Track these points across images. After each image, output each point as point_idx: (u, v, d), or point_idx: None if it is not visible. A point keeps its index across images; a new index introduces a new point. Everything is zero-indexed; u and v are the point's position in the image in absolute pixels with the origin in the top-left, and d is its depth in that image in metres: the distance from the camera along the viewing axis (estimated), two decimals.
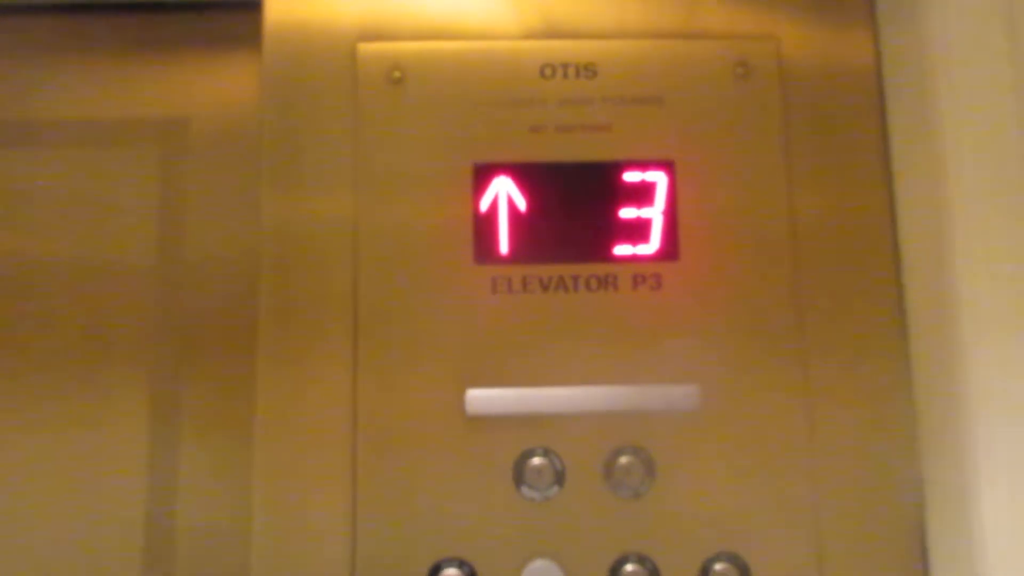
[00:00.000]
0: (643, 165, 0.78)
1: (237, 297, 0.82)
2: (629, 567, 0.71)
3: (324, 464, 0.73)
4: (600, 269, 0.76)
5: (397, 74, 0.79)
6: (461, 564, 0.72)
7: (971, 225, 0.70)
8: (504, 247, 0.77)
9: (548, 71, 0.80)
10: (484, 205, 0.77)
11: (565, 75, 0.80)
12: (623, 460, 0.73)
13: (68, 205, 0.84)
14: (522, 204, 0.77)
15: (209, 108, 0.87)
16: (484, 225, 0.77)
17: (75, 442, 0.79)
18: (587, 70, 0.80)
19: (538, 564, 0.71)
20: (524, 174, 0.78)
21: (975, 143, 0.71)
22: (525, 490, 0.73)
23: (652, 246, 0.77)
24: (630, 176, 0.78)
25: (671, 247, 0.77)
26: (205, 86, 0.87)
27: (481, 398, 0.73)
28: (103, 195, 0.84)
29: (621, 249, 0.77)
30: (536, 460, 0.73)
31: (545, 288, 0.76)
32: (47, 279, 0.83)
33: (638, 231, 0.77)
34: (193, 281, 0.83)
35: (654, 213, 0.77)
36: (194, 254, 0.83)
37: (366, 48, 0.80)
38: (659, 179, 0.78)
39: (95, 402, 0.80)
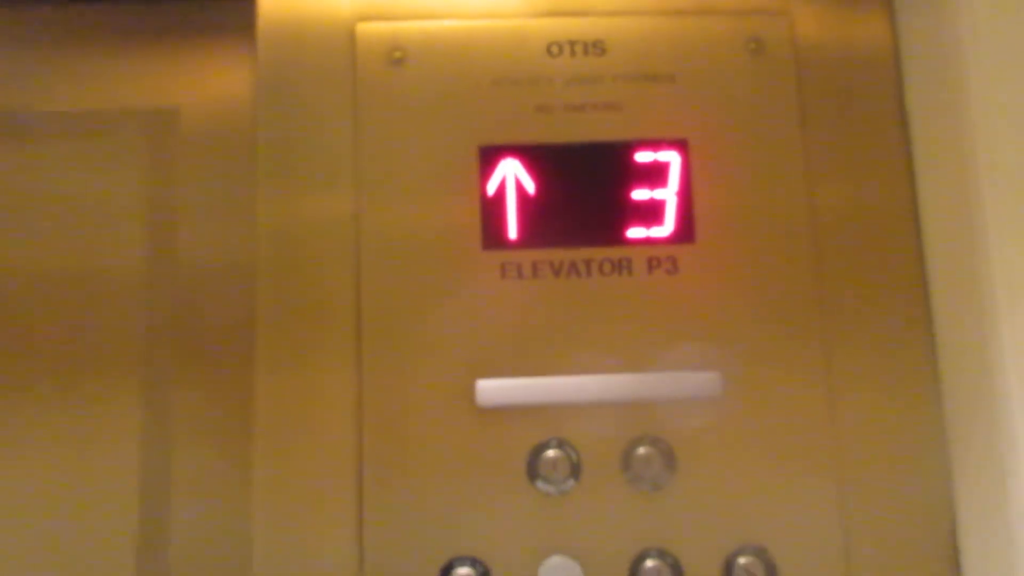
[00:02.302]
0: (655, 144, 0.75)
1: (231, 295, 0.79)
2: (650, 563, 0.68)
3: (328, 461, 0.70)
4: (613, 253, 0.73)
5: (398, 54, 0.76)
6: (474, 563, 0.68)
7: (1004, 209, 0.67)
8: (513, 232, 0.74)
9: (555, 49, 0.77)
10: (491, 189, 0.74)
11: (573, 53, 0.77)
12: (641, 451, 0.70)
13: (52, 201, 0.81)
14: (531, 187, 0.74)
15: (200, 98, 0.84)
16: (492, 209, 0.74)
17: (63, 454, 0.76)
18: (596, 47, 0.77)
19: (555, 561, 0.68)
20: (532, 156, 0.75)
21: (1006, 126, 0.68)
22: (540, 484, 0.70)
23: (667, 228, 0.74)
24: (642, 156, 0.75)
25: (687, 229, 0.74)
26: (196, 75, 0.84)
27: (492, 389, 0.70)
28: (89, 190, 0.81)
29: (635, 232, 0.74)
30: (551, 452, 0.70)
31: (556, 273, 0.73)
32: (29, 280, 0.79)
33: (652, 213, 0.74)
34: (184, 282, 0.80)
35: (668, 194, 0.74)
36: (184, 252, 0.80)
37: (365, 28, 0.77)
38: (672, 159, 0.75)
39: (83, 413, 0.77)
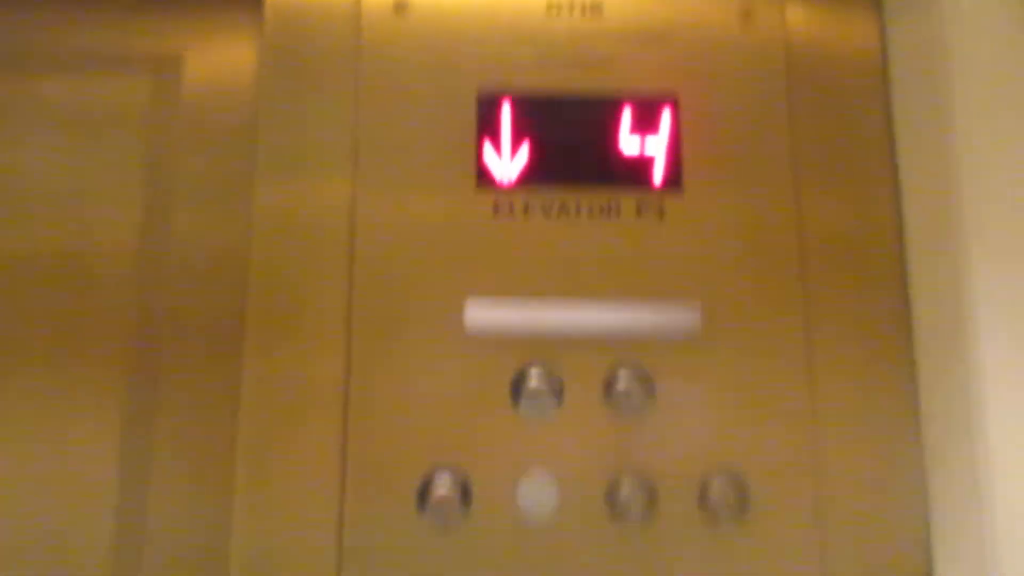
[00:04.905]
0: (647, 98, 0.79)
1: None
2: (626, 484, 0.70)
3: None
4: (603, 197, 0.76)
5: (402, 1, 0.79)
6: (455, 471, 0.69)
7: (984, 212, 0.69)
8: (507, 173, 0.76)
9: (554, 11, 0.81)
10: (489, 132, 0.77)
11: (571, 13, 0.81)
12: (622, 379, 0.72)
13: (48, 173, 0.81)
14: (527, 132, 0.77)
15: (204, 50, 0.85)
16: (487, 151, 0.77)
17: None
18: (593, 9, 0.81)
19: (534, 477, 0.69)
20: (528, 104, 0.78)
21: (990, 134, 0.70)
22: (523, 407, 0.71)
23: (656, 178, 0.77)
24: (634, 109, 0.78)
25: (675, 180, 0.77)
26: (202, 24, 0.85)
27: (480, 313, 0.72)
28: (87, 157, 0.81)
29: (625, 179, 0.77)
30: (534, 380, 0.72)
31: (547, 213, 0.76)
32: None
33: (642, 163, 0.77)
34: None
35: (658, 146, 0.78)
36: (178, 228, 0.80)
37: None
38: (663, 113, 0.78)
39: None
